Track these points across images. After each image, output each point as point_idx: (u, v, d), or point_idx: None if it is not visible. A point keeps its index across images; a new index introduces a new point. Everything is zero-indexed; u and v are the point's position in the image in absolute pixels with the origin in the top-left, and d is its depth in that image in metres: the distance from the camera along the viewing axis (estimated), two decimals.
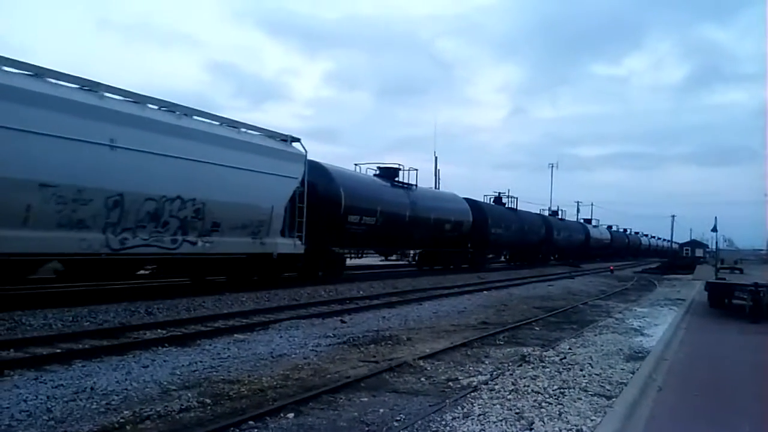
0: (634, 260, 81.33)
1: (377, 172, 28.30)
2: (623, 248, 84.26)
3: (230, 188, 16.82)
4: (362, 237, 24.71)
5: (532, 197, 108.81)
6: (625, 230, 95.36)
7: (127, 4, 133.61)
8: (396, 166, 29.03)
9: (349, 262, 27.16)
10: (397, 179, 28.63)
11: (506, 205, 43.92)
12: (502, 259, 50.12)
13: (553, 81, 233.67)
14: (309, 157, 20.76)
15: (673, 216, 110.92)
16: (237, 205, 17.18)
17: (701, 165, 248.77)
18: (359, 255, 27.79)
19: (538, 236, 47.87)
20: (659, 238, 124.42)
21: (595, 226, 72.94)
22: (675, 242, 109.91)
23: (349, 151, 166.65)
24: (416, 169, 30.15)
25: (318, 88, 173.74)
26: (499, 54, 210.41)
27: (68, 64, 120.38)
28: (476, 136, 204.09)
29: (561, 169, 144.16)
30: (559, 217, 59.49)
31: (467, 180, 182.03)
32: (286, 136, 19.83)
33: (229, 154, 16.80)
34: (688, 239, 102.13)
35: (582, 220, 73.35)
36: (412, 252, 33.21)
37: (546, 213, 62.98)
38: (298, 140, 20.13)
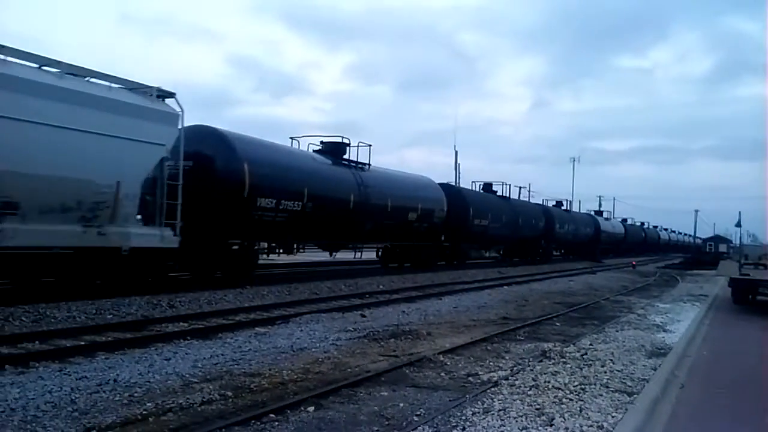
0: (654, 256, 78.67)
1: (320, 147, 23.14)
2: (639, 243, 78.73)
3: (38, 154, 12.05)
4: (281, 227, 19.10)
5: (554, 192, 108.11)
6: (642, 224, 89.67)
7: None
8: (341, 140, 23.48)
9: (274, 259, 23.14)
10: (344, 157, 23.37)
11: (497, 194, 38.48)
12: (491, 255, 43.89)
13: (576, 73, 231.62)
14: (214, 124, 17.35)
15: (697, 211, 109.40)
16: (50, 178, 12.28)
17: (726, 159, 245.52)
18: (291, 250, 21.67)
19: (535, 229, 42.01)
20: (681, 233, 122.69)
21: (606, 219, 66.95)
22: (698, 237, 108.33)
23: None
24: (369, 145, 24.49)
25: (339, 81, 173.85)
26: (522, 46, 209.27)
27: (90, 59, 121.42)
28: (498, 129, 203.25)
29: (584, 163, 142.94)
30: (565, 208, 53.11)
31: (488, 174, 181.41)
32: (154, 88, 14.64)
33: (41, 107, 11.98)
34: (712, 234, 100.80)
35: (592, 212, 66.19)
36: (377, 246, 28.33)
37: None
38: (171, 95, 14.96)
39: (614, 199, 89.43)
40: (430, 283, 22.26)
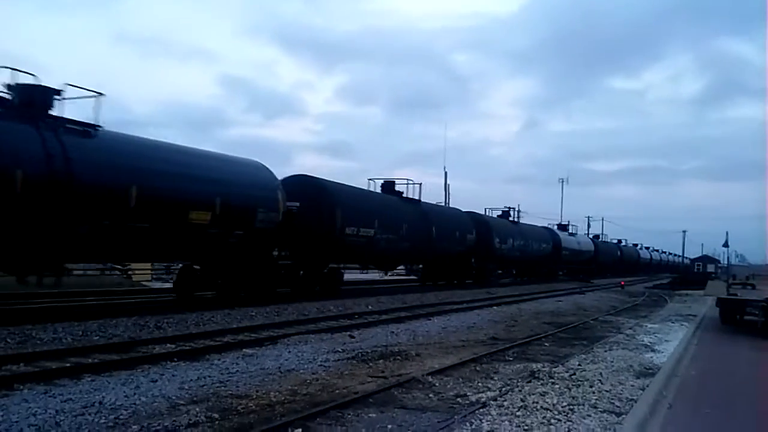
0: (636, 276, 73.28)
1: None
2: (614, 262, 71.76)
3: None
4: None
5: (544, 212, 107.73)
6: (619, 241, 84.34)
7: (144, 18, 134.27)
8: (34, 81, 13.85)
9: None
10: (49, 113, 13.98)
11: (403, 195, 29.32)
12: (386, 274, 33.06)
13: (568, 94, 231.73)
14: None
15: (684, 231, 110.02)
16: None
17: (715, 179, 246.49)
18: None
19: (461, 244, 32.96)
20: (667, 253, 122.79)
21: (571, 234, 57.89)
22: (687, 257, 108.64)
23: (360, 166, 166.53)
24: (98, 94, 14.80)
25: (331, 102, 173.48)
26: (515, 67, 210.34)
27: (84, 78, 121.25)
28: (489, 150, 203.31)
29: (574, 183, 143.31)
30: (512, 219, 44.02)
31: (479, 194, 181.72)
32: None
33: None
34: (700, 254, 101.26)
35: (555, 226, 56.92)
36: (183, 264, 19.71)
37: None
38: None
39: (602, 219, 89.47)
40: (420, 303, 22.18)
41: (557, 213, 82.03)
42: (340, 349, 12.10)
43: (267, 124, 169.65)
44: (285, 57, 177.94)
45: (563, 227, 58.81)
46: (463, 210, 37.35)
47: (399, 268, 36.04)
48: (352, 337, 13.97)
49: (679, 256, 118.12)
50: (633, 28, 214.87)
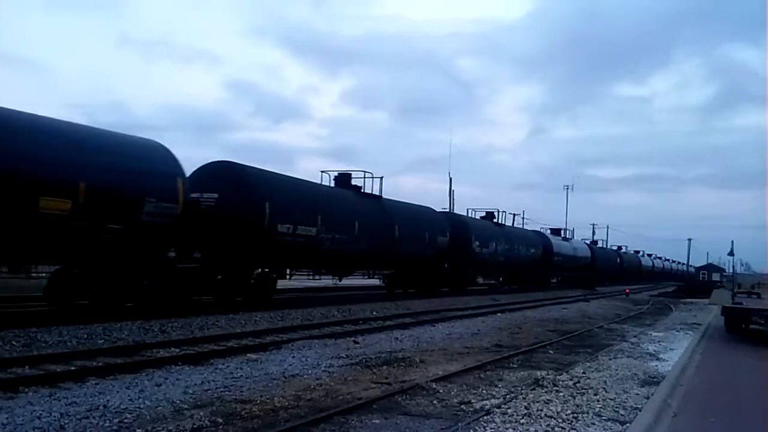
0: (641, 284, 72.52)
1: None
2: (613, 270, 68.18)
3: None
4: None
5: (550, 219, 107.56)
6: (619, 248, 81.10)
7: (147, 20, 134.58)
8: None
9: None
10: None
11: (362, 190, 25.17)
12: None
13: (575, 100, 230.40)
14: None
15: (690, 239, 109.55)
16: None
17: (720, 188, 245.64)
18: None
19: (431, 247, 28.93)
20: (672, 261, 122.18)
21: (565, 239, 53.57)
22: (692, 266, 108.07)
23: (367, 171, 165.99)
24: None
25: (336, 106, 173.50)
26: (521, 73, 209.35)
27: (87, 82, 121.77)
28: (495, 156, 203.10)
29: (580, 191, 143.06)
30: (497, 221, 39.28)
31: (485, 201, 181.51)
32: None
33: None
34: (705, 263, 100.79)
35: (548, 231, 52.20)
36: None
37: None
38: None
39: (608, 227, 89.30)
40: (425, 310, 22.15)
41: (563, 220, 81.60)
42: (344, 355, 12.10)
43: (273, 128, 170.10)
44: (291, 60, 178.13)
45: (556, 231, 54.41)
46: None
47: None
48: (356, 342, 13.97)
49: (684, 264, 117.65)
50: (640, 34, 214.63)
